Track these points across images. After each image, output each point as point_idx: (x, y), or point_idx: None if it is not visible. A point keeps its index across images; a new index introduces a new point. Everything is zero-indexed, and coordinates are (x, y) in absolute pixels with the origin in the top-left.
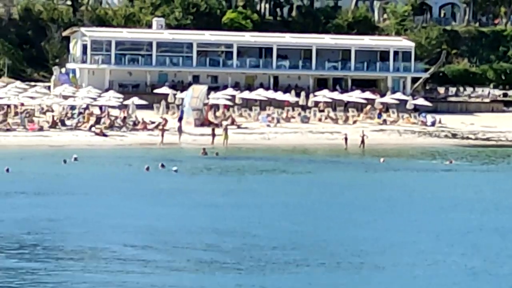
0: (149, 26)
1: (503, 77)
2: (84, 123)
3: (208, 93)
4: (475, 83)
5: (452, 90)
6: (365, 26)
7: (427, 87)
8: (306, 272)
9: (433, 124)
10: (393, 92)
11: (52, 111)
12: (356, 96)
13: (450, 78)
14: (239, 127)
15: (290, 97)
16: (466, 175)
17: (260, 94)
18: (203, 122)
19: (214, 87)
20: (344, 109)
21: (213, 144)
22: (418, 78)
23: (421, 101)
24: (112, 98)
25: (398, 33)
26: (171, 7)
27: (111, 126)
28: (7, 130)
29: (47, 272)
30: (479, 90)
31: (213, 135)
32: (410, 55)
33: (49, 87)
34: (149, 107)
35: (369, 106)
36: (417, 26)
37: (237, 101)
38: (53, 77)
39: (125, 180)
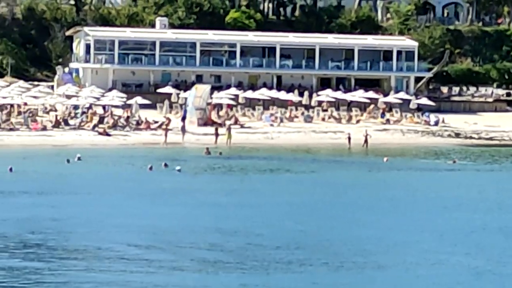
0: (152, 25)
1: (506, 77)
2: (88, 123)
3: (211, 93)
4: (478, 82)
5: (456, 89)
6: (368, 25)
7: (430, 87)
8: (309, 271)
9: (436, 123)
10: (396, 91)
11: (55, 110)
12: (359, 95)
13: (453, 78)
14: (242, 126)
15: (293, 96)
16: (469, 174)
17: (263, 93)
18: (206, 121)
19: (217, 87)
20: (347, 108)
21: (217, 144)
22: (422, 78)
23: (424, 101)
24: (115, 97)
25: (401, 33)
26: (175, 7)
27: (114, 126)
28: (10, 129)
29: (50, 271)
30: (482, 90)
31: (216, 134)
32: (413, 55)
33: (52, 87)
34: (152, 106)
35: (372, 106)
36: (421, 26)
37: (240, 100)
38: (56, 77)
39: (129, 180)
